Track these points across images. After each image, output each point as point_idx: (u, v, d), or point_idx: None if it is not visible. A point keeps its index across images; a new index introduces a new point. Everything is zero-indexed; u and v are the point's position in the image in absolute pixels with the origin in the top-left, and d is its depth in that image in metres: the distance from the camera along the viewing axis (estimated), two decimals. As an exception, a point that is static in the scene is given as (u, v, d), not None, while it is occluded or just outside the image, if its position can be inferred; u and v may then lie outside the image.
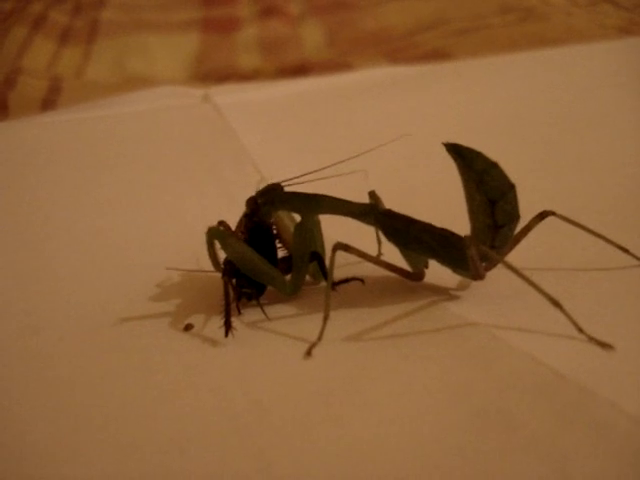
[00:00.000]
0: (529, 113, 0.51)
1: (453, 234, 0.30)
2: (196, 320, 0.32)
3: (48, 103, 0.61)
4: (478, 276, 0.30)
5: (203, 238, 0.38)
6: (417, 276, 0.32)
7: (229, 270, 0.32)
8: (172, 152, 0.48)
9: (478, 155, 0.29)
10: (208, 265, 0.35)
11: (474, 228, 0.30)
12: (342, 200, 0.32)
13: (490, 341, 0.28)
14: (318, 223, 0.33)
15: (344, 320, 0.30)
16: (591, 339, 0.27)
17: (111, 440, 0.25)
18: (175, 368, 0.29)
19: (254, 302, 0.32)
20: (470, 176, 0.29)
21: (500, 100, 0.53)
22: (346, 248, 0.30)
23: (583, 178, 0.43)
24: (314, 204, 0.32)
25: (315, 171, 0.32)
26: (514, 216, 0.29)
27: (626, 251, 0.33)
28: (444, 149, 0.29)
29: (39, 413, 0.27)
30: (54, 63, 0.76)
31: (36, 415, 0.27)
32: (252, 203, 0.33)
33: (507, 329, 0.28)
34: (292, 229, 0.34)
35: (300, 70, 0.67)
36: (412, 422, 0.25)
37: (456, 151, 0.29)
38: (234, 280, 0.32)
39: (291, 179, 0.33)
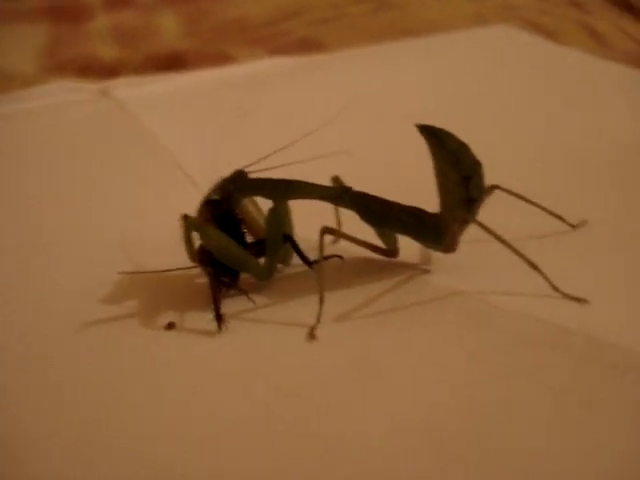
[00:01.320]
0: (415, 101, 0.54)
1: (426, 211, 0.32)
2: (174, 318, 0.31)
3: None
4: (452, 249, 0.32)
5: (137, 237, 0.37)
6: (392, 252, 0.33)
7: (208, 260, 0.31)
8: (78, 151, 0.46)
9: (450, 135, 0.31)
10: (153, 265, 0.34)
11: (448, 203, 0.32)
12: (315, 184, 0.32)
13: (485, 306, 0.30)
14: (288, 206, 0.33)
15: (332, 300, 0.31)
16: (566, 296, 0.30)
17: (123, 444, 0.25)
18: (176, 367, 0.28)
19: (232, 292, 0.32)
20: (444, 155, 0.31)
21: (383, 88, 0.56)
22: (332, 231, 0.31)
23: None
24: (287, 189, 0.32)
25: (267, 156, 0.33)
26: (483, 189, 0.32)
27: (560, 218, 0.36)
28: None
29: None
30: None
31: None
32: (223, 191, 0.32)
33: (494, 294, 0.30)
34: (256, 214, 0.34)
35: (173, 60, 0.66)
36: (436, 387, 0.26)
37: (430, 132, 0.31)
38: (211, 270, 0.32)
39: (251, 165, 0.33)
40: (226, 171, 0.33)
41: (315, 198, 0.33)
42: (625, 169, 0.43)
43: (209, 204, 0.33)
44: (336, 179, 0.34)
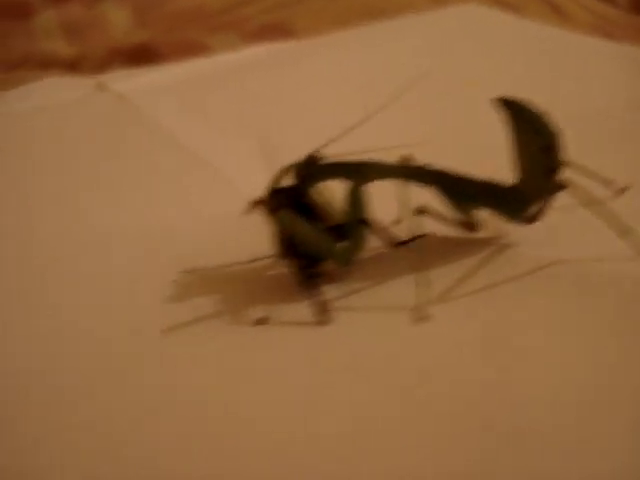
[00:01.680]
0: (387, 81, 0.54)
1: (504, 183, 0.32)
2: (260, 313, 0.30)
3: None
4: (535, 219, 0.32)
5: (171, 232, 0.36)
6: (474, 227, 0.33)
7: (293, 250, 0.30)
8: (86, 148, 0.43)
9: (530, 104, 0.30)
10: (206, 260, 0.33)
11: (530, 174, 0.31)
12: (392, 164, 0.32)
13: (588, 273, 0.29)
14: (365, 188, 0.32)
15: (428, 281, 0.30)
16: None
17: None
18: (294, 362, 0.27)
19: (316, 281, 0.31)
20: (526, 125, 0.30)
21: (363, 71, 0.55)
22: (424, 211, 0.30)
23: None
24: (366, 171, 0.31)
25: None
26: (563, 158, 0.32)
27: (608, 182, 0.36)
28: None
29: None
30: None
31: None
32: (296, 177, 0.31)
33: (588, 260, 0.30)
34: (328, 199, 0.33)
35: (142, 52, 0.63)
36: (568, 359, 0.26)
37: (509, 103, 0.30)
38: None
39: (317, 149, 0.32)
40: (252, 160, 0.32)
41: (394, 178, 0.32)
42: (595, 136, 0.43)
43: (280, 192, 0.32)
44: (407, 157, 0.33)
